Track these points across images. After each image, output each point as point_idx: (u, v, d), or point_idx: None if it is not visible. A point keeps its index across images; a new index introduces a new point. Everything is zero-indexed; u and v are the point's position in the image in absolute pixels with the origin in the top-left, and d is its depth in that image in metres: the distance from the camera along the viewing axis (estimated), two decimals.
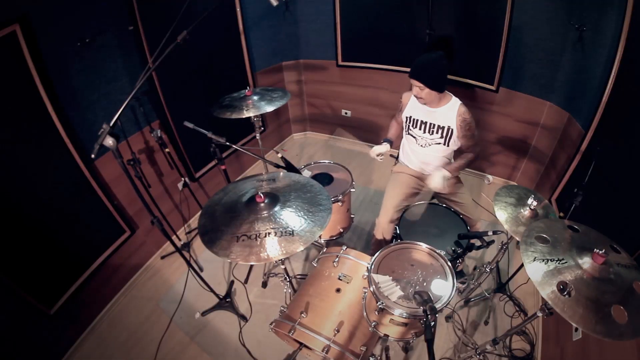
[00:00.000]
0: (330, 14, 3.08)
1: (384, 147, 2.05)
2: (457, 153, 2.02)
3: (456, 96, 1.88)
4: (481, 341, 1.98)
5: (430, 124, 1.92)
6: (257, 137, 2.41)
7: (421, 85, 1.77)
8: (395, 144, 2.13)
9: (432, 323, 1.05)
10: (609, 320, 0.99)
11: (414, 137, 2.02)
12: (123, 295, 2.37)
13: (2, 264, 1.66)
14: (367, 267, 1.48)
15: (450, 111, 1.85)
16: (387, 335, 1.43)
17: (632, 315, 1.00)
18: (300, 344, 1.52)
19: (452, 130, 1.87)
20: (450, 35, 2.67)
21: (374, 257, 1.51)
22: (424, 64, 1.76)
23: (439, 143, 1.94)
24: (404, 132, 2.12)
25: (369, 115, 3.62)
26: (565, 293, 1.05)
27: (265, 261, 1.42)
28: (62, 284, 1.99)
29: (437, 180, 1.83)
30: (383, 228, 1.99)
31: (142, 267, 2.53)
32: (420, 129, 1.97)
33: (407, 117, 2.01)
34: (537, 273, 1.11)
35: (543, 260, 1.13)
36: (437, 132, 1.92)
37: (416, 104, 1.93)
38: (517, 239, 1.42)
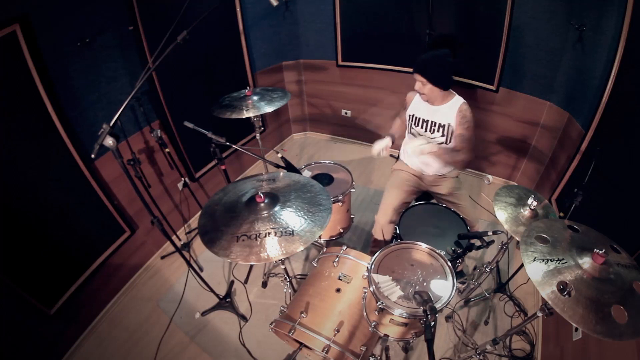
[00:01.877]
0: (330, 14, 3.08)
1: (384, 142, 2.02)
2: None
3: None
4: (481, 341, 1.98)
5: (432, 122, 1.92)
6: (257, 137, 2.41)
7: (424, 80, 1.77)
8: (395, 143, 2.13)
9: (432, 323, 1.05)
10: (609, 320, 0.99)
11: (415, 137, 2.02)
12: (123, 295, 2.37)
13: (2, 264, 1.66)
14: (367, 267, 1.48)
15: (451, 109, 1.86)
16: (387, 335, 1.43)
17: (632, 315, 1.00)
18: (300, 344, 1.52)
19: (452, 127, 1.87)
20: (453, 34, 2.67)
21: (374, 257, 1.51)
22: (428, 60, 1.77)
23: (441, 142, 1.94)
24: (406, 131, 2.12)
25: (369, 115, 3.62)
26: (565, 293, 1.05)
27: (265, 261, 1.42)
28: (62, 284, 1.99)
29: (416, 144, 1.86)
30: (382, 226, 1.99)
31: (142, 267, 2.53)
32: (422, 127, 1.97)
33: (410, 115, 2.01)
34: (537, 273, 1.11)
35: (543, 260, 1.13)
36: (438, 131, 1.92)
37: (420, 102, 1.93)
38: (517, 239, 1.41)
